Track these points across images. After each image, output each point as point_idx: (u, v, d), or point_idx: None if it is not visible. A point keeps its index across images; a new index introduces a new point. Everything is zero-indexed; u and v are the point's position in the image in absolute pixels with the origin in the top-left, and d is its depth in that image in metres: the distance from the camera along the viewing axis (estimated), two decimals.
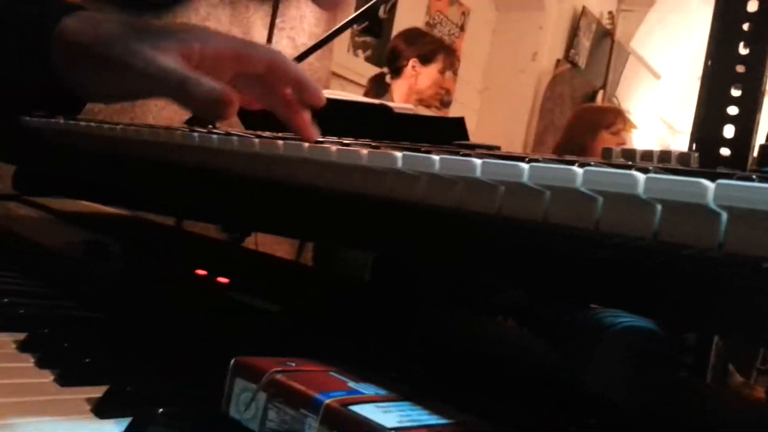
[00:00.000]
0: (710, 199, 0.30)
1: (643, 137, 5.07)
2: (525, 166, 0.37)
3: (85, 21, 0.57)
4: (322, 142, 0.56)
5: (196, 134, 0.63)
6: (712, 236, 0.31)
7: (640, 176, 0.32)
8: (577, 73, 4.79)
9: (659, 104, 5.61)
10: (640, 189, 0.32)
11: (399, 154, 0.44)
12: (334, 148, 0.50)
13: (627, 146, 1.00)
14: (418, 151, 0.46)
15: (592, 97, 4.92)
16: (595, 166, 0.35)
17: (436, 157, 0.42)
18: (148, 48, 0.54)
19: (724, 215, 0.30)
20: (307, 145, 0.53)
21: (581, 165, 0.35)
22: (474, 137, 1.09)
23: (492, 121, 4.17)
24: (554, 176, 0.35)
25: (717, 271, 0.30)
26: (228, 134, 0.62)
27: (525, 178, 0.37)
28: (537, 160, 0.40)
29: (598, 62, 4.94)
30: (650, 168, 0.37)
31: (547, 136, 4.39)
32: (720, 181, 0.29)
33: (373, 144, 0.56)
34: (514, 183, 0.38)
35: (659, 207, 0.32)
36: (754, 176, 0.32)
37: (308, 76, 0.62)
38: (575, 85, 4.77)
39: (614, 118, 2.41)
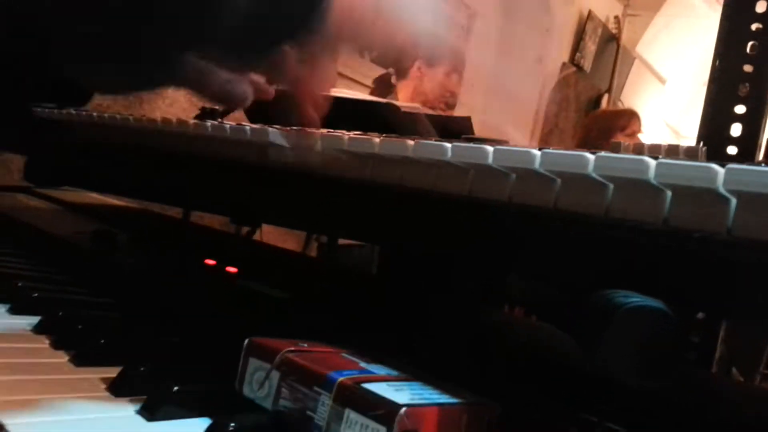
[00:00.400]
0: (720, 184, 0.30)
1: (648, 142, 5.06)
2: (537, 152, 0.37)
3: None
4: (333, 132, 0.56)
5: (209, 124, 0.63)
6: (722, 221, 0.31)
7: (651, 162, 0.32)
8: (582, 77, 4.79)
9: (664, 109, 5.62)
10: (651, 174, 0.32)
11: (411, 142, 0.45)
12: (346, 136, 0.51)
13: None
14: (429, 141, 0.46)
15: (597, 100, 4.92)
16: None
17: (448, 145, 0.42)
18: None
19: (734, 200, 0.31)
20: (319, 133, 0.53)
21: (592, 153, 0.36)
22: None
23: (497, 124, 4.16)
24: (566, 162, 0.36)
25: (725, 254, 0.31)
26: (240, 125, 0.62)
27: (537, 165, 0.37)
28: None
29: (603, 66, 4.94)
30: (660, 156, 0.37)
31: (552, 139, 4.40)
32: (730, 165, 0.30)
33: (385, 135, 0.57)
34: (525, 170, 0.38)
35: (669, 192, 0.33)
36: (763, 163, 0.33)
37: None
38: (580, 88, 4.78)
39: (629, 120, 2.42)
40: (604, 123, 2.51)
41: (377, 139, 0.48)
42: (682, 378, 0.42)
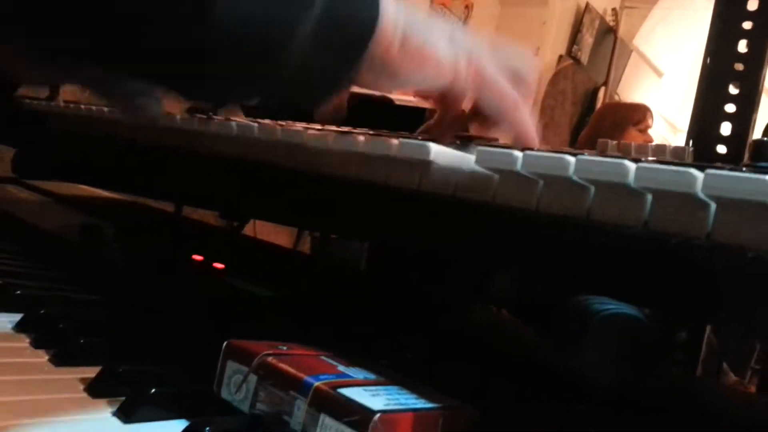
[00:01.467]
0: (699, 189, 0.30)
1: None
2: (518, 154, 0.37)
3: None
4: (320, 130, 0.56)
5: (195, 119, 0.63)
6: (701, 226, 0.31)
7: (631, 165, 0.32)
8: (579, 70, 4.78)
9: (661, 102, 5.60)
10: (631, 178, 0.32)
11: (395, 141, 0.45)
12: (331, 135, 0.50)
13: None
14: (415, 139, 0.46)
15: (594, 93, 4.91)
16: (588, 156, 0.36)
17: (431, 146, 0.42)
18: None
19: (713, 205, 0.30)
20: (305, 131, 0.53)
21: (574, 155, 0.36)
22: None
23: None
24: (547, 164, 0.36)
25: (704, 259, 0.30)
26: (227, 120, 0.62)
27: (518, 167, 0.37)
28: (531, 150, 0.41)
29: (600, 59, 4.93)
30: (642, 159, 0.37)
31: (549, 132, 4.39)
32: (709, 170, 0.30)
33: (372, 132, 0.56)
34: (507, 171, 0.38)
35: (649, 196, 0.33)
36: (744, 168, 0.32)
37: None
38: (577, 81, 4.77)
39: (642, 114, 2.40)
40: (618, 115, 2.49)
41: (361, 138, 0.48)
42: (662, 382, 0.42)
